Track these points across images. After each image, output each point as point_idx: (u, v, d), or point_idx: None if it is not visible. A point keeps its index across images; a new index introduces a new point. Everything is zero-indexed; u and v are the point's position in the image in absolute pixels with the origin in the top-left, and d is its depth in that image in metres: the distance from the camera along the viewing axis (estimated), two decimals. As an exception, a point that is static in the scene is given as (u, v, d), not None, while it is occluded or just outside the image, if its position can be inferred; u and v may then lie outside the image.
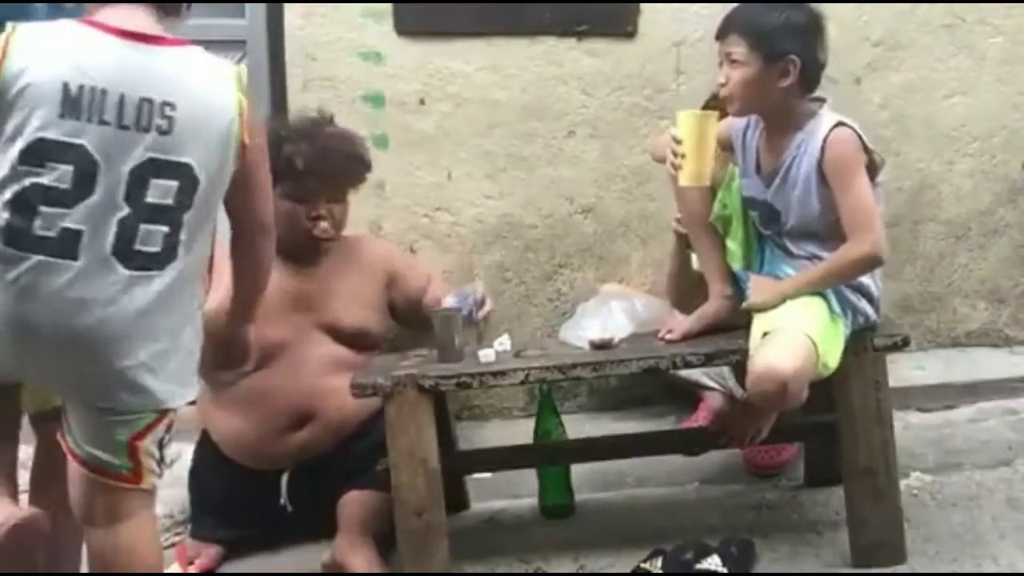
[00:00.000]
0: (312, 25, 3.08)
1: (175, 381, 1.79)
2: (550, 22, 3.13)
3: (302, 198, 2.57)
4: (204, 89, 1.78)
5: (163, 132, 1.72)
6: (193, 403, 1.87)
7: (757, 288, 2.26)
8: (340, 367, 2.54)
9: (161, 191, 1.73)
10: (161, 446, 1.82)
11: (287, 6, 3.09)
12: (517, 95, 3.16)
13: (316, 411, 2.53)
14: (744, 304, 2.27)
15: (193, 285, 1.82)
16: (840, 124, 2.18)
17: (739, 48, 2.18)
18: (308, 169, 2.55)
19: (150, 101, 1.71)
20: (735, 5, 2.25)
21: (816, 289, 2.19)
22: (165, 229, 1.73)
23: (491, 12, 3.10)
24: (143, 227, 1.72)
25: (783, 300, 2.19)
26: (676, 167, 2.24)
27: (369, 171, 2.74)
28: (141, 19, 1.77)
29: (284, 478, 2.57)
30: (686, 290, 2.63)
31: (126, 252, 1.71)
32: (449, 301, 2.59)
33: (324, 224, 2.62)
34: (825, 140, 2.16)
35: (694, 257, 2.58)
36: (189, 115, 1.74)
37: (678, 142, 2.23)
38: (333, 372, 2.54)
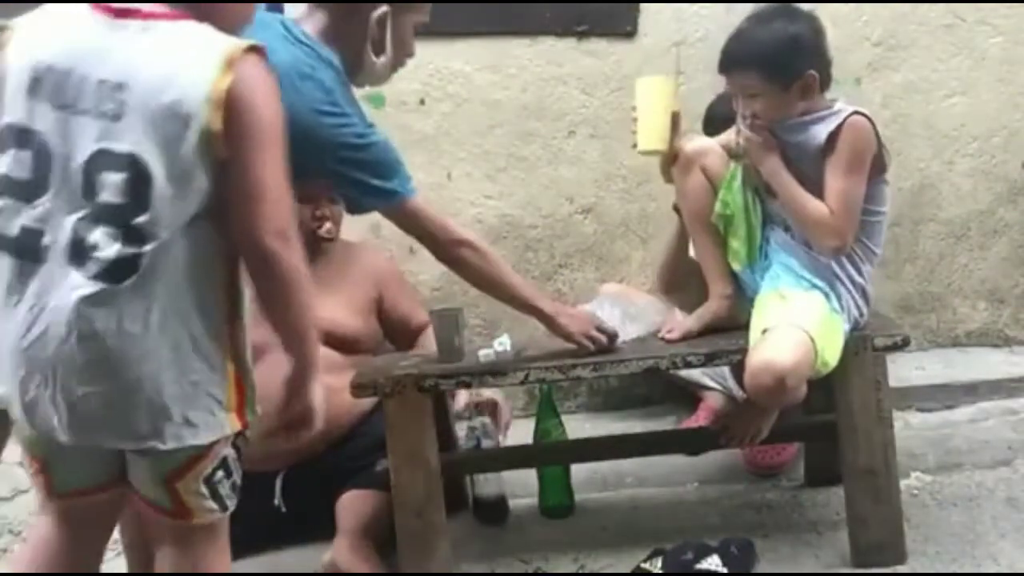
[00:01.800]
0: (312, 25, 3.07)
1: (204, 414, 1.61)
2: (550, 22, 3.14)
3: (306, 198, 2.57)
4: (171, 70, 1.48)
5: (113, 118, 1.47)
6: None
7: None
8: (329, 368, 2.51)
9: (112, 188, 1.47)
10: (211, 481, 1.64)
11: (287, 6, 3.09)
12: (517, 95, 3.16)
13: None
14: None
15: (185, 303, 1.55)
16: (859, 112, 2.16)
17: (752, 81, 2.14)
18: None
19: (105, 82, 1.47)
20: (733, 32, 2.19)
21: (784, 195, 2.18)
22: (120, 233, 1.47)
23: (491, 12, 3.11)
24: (99, 230, 1.47)
25: (768, 168, 2.19)
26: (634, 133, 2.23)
27: None
28: None
29: (279, 480, 2.56)
30: (680, 270, 2.60)
31: (82, 259, 1.47)
32: (463, 434, 2.59)
33: (329, 225, 2.64)
34: (843, 123, 2.13)
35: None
36: (142, 98, 1.47)
37: (633, 109, 2.21)
38: (323, 372, 2.52)
